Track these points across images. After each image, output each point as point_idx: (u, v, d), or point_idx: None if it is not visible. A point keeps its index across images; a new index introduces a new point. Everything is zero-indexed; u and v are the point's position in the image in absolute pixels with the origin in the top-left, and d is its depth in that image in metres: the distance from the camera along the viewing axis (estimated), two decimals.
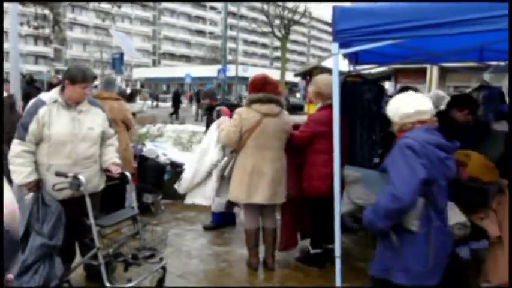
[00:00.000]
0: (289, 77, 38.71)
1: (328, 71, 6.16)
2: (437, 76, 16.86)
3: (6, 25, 7.62)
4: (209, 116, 5.36)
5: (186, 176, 4.33)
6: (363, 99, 4.27)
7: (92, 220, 3.09)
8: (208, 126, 4.97)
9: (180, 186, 4.39)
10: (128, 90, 26.94)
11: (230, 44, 44.31)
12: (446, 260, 2.27)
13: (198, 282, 3.85)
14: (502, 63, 4.94)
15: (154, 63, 78.28)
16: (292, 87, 42.78)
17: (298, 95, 38.23)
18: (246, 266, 4.14)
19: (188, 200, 4.41)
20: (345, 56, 4.84)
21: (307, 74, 18.94)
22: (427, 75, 15.90)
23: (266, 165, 3.82)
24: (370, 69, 5.75)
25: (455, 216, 3.00)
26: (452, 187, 3.11)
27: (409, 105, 2.33)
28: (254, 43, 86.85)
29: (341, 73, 3.91)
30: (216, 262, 4.30)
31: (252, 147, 3.84)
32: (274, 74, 4.66)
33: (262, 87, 3.86)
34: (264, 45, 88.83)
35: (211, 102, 5.59)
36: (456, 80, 16.60)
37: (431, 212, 2.17)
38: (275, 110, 3.84)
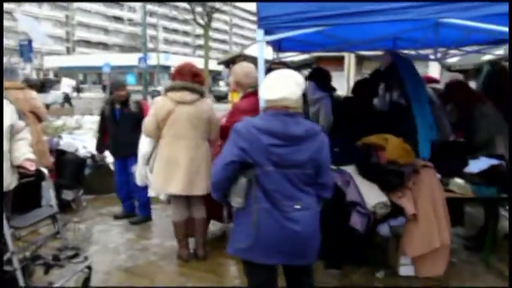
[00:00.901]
0: (213, 65, 38.45)
1: (252, 58, 6.20)
2: (354, 64, 17.70)
3: None
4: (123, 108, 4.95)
5: (139, 170, 4.28)
6: None
7: (4, 222, 2.83)
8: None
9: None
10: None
11: (150, 32, 42.91)
12: (286, 243, 2.29)
13: (127, 278, 3.73)
14: (412, 52, 5.29)
15: (68, 51, 73.56)
16: (216, 75, 42.58)
17: (221, 83, 38.17)
18: (177, 258, 4.07)
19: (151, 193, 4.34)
20: (268, 43, 4.90)
21: (231, 62, 18.96)
22: (345, 63, 16.62)
23: (181, 154, 3.74)
24: (293, 57, 5.88)
25: (376, 196, 3.21)
26: (372, 170, 3.33)
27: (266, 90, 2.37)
28: (175, 31, 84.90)
29: (265, 61, 3.96)
30: (146, 256, 4.18)
31: (167, 136, 3.77)
32: (197, 63, 4.59)
33: (183, 75, 3.79)
34: (185, 33, 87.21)
35: (122, 93, 4.98)
36: (372, 67, 17.52)
37: (258, 193, 2.25)
38: (188, 97, 3.75)
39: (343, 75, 15.56)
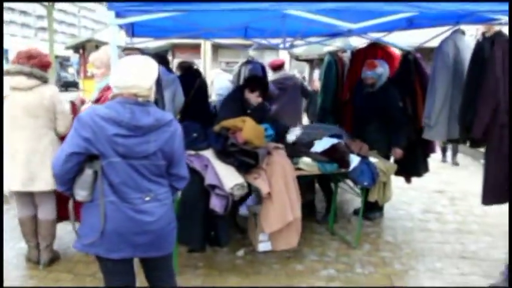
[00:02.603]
0: (60, 50, 35.01)
1: (104, 44, 5.83)
2: (210, 51, 17.97)
3: None
4: None
5: None
6: None
7: None
8: None
9: None
10: None
11: None
12: (138, 236, 2.22)
13: None
14: (263, 41, 5.58)
15: None
16: (63, 61, 38.90)
17: (70, 69, 35.10)
18: (26, 260, 3.69)
19: None
20: (121, 27, 4.67)
21: (80, 48, 17.53)
22: (202, 51, 16.77)
23: (21, 146, 3.37)
24: (146, 43, 5.70)
25: (234, 178, 3.33)
26: (229, 151, 3.44)
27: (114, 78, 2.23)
28: (11, 9, 75.02)
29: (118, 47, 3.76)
30: None
31: (6, 126, 3.38)
32: (41, 46, 4.12)
33: (20, 58, 3.39)
34: (24, 12, 77.68)
35: None
36: (227, 55, 18.02)
37: (104, 186, 2.16)
38: (25, 83, 3.35)
39: (200, 62, 15.67)
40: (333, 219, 4.60)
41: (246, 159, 3.39)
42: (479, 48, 3.39)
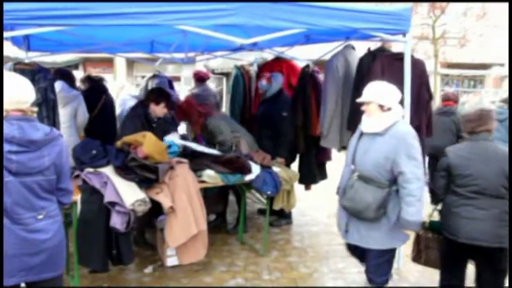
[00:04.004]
0: None
1: None
2: (125, 66, 17.51)
3: None
4: None
5: None
6: (39, 87, 4.05)
7: None
8: None
9: None
10: None
11: None
12: (33, 257, 2.13)
13: None
14: (167, 56, 5.59)
15: None
16: None
17: None
18: None
19: None
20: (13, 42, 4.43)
21: None
22: (115, 65, 16.30)
23: None
24: (47, 56, 5.46)
25: (134, 194, 3.28)
26: (129, 167, 3.39)
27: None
28: None
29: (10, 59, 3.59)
30: None
31: None
32: None
33: None
34: None
35: None
36: (143, 69, 17.65)
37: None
38: None
39: (113, 77, 15.21)
40: (242, 229, 4.69)
41: (146, 174, 3.36)
42: (360, 61, 3.71)
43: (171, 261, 3.85)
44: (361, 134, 2.94)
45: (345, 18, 3.34)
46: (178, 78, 13.91)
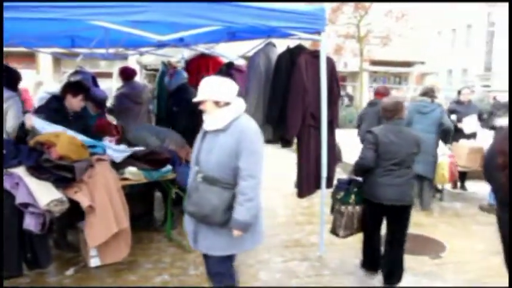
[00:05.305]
0: None
1: None
2: (52, 61, 16.66)
3: None
4: None
5: None
6: None
7: None
8: None
9: None
10: None
11: None
12: None
13: None
14: (87, 51, 5.42)
15: None
16: None
17: None
18: None
19: None
20: None
21: None
22: (38, 60, 15.45)
23: None
24: None
25: (49, 194, 3.17)
26: (43, 167, 3.27)
27: None
28: None
29: None
30: None
31: None
32: None
33: None
34: None
35: None
36: (71, 65, 16.85)
37: None
38: None
39: (36, 72, 14.40)
40: (170, 226, 4.68)
41: (62, 173, 3.25)
42: (278, 58, 3.85)
43: (95, 261, 3.77)
44: (205, 133, 2.73)
45: (262, 17, 3.44)
46: (110, 75, 13.45)
